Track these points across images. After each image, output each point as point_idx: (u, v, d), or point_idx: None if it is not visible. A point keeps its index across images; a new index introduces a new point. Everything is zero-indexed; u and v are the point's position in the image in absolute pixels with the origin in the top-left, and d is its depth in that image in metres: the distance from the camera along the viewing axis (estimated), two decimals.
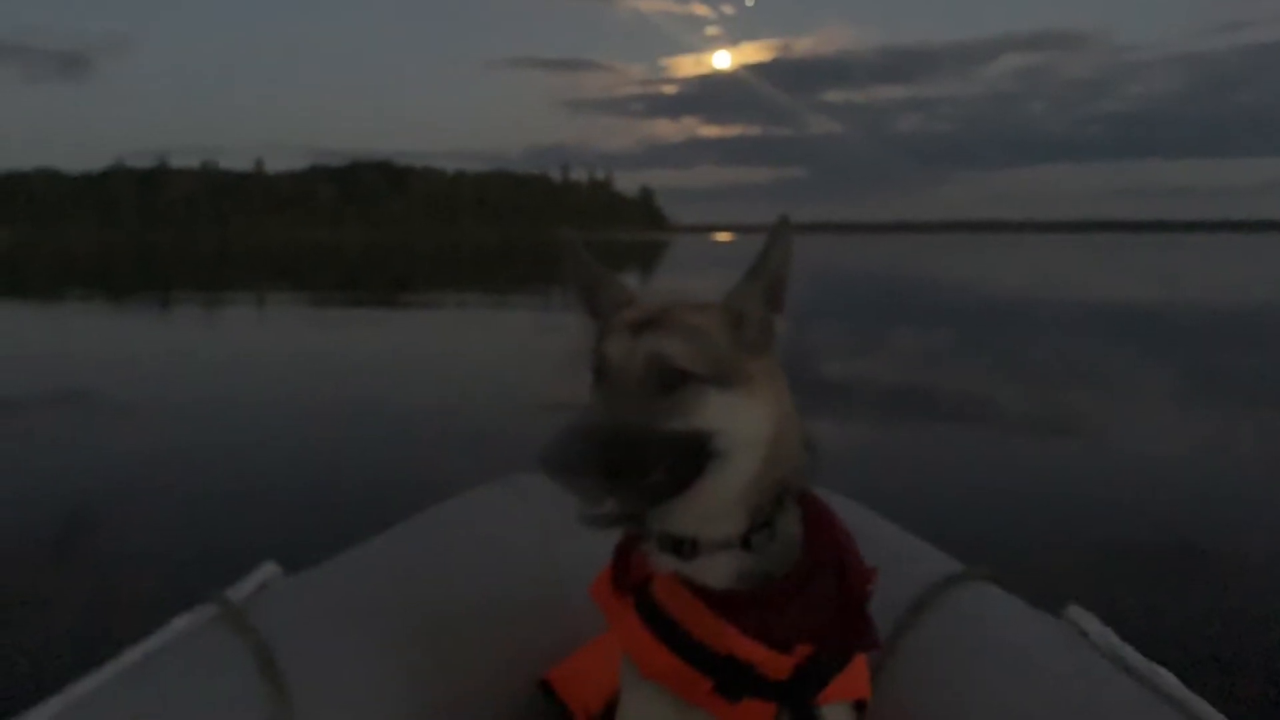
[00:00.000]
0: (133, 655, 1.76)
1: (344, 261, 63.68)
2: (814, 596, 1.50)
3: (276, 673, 1.76)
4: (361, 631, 1.96)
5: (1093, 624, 1.93)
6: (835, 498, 1.80)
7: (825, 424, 8.83)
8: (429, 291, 32.76)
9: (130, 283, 39.86)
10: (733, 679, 1.48)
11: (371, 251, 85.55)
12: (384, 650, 1.95)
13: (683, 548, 1.50)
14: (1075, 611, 1.98)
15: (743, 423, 1.43)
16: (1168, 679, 1.72)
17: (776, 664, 1.47)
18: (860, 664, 1.60)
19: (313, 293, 32.50)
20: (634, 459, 1.33)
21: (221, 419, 9.96)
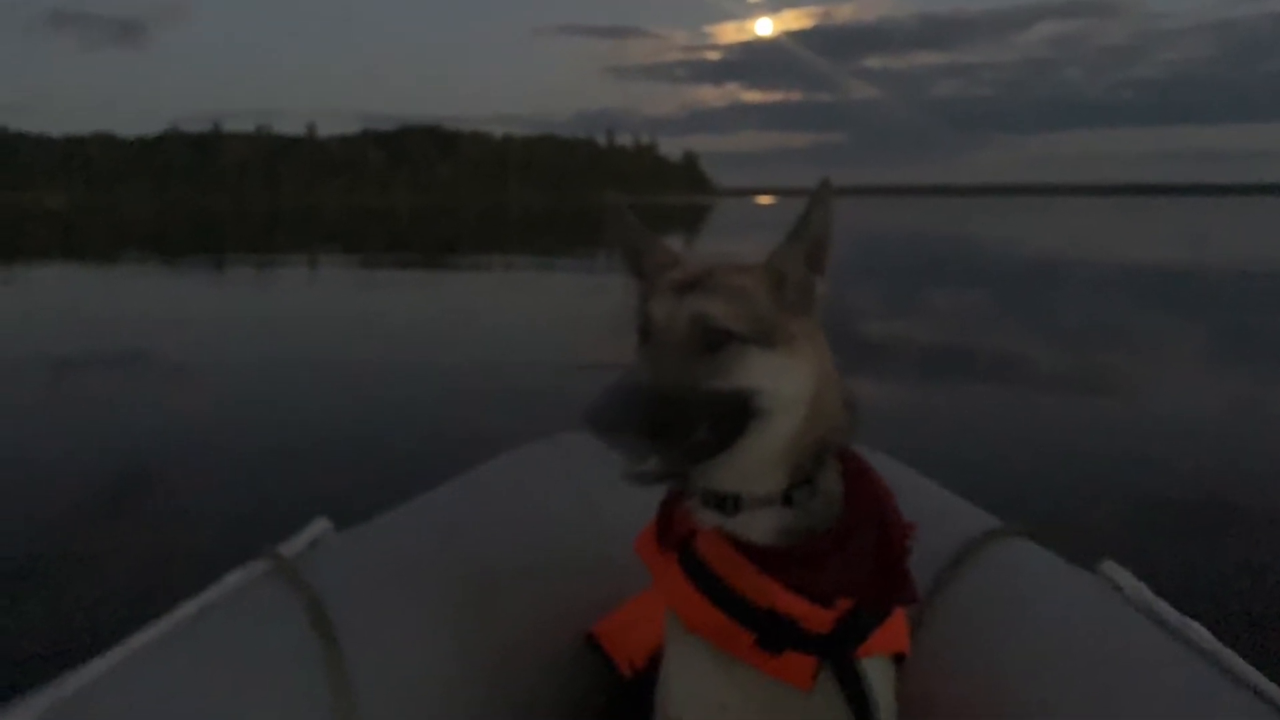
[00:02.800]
0: (187, 610, 1.79)
1: (394, 224, 63.93)
2: (854, 552, 1.52)
3: (328, 626, 1.80)
4: (411, 586, 2.00)
5: (1127, 579, 1.94)
6: (875, 455, 1.82)
7: (865, 382, 8.80)
8: (477, 254, 32.86)
9: (185, 246, 40.33)
10: (774, 633, 1.51)
11: (421, 215, 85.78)
12: (432, 604, 1.99)
13: (726, 504, 1.52)
14: (1110, 567, 1.99)
15: (785, 382, 1.45)
16: (1200, 633, 1.73)
17: (817, 618, 1.50)
18: (899, 618, 1.62)
19: (363, 254, 32.71)
20: (678, 418, 1.36)
21: (274, 378, 10.10)
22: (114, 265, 27.87)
